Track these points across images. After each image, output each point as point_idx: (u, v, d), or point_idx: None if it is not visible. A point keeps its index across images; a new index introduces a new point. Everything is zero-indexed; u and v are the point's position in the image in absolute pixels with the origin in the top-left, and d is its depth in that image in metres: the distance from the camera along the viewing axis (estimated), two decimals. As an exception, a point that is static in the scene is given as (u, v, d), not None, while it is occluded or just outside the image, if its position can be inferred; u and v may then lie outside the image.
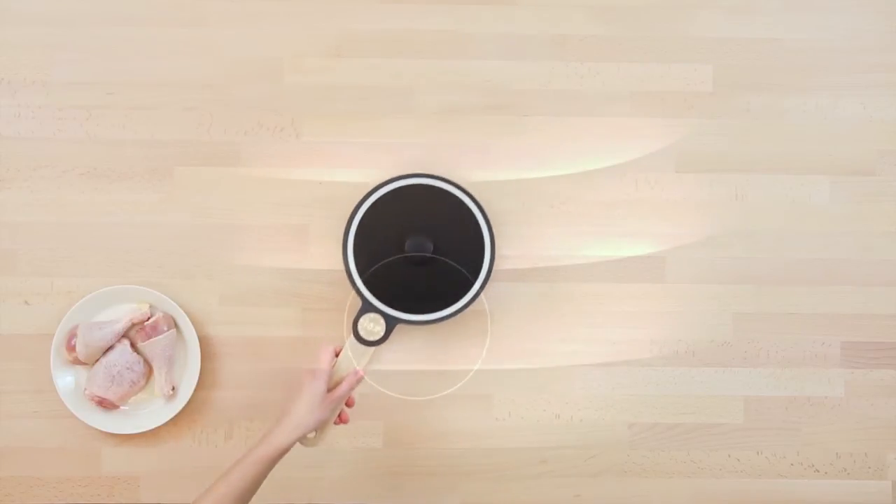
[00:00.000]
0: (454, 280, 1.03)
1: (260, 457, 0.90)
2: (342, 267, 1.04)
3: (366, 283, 1.03)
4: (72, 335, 1.06)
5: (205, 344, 1.09)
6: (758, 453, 1.10)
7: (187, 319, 1.07)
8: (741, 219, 1.10)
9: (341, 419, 0.98)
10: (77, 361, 1.07)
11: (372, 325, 1.01)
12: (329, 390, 0.95)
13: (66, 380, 1.08)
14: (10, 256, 1.10)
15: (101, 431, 1.07)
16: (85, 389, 1.07)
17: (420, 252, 1.02)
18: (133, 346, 1.08)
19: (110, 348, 1.07)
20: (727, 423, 1.10)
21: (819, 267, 1.11)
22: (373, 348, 1.00)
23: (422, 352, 1.10)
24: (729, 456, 1.10)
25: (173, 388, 1.08)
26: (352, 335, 1.01)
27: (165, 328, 1.07)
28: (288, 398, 0.94)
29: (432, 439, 1.10)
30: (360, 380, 0.99)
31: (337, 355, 0.98)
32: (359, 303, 1.02)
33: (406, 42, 1.11)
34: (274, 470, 1.09)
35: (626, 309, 1.10)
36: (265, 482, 1.09)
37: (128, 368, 1.07)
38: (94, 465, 1.09)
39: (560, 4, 1.12)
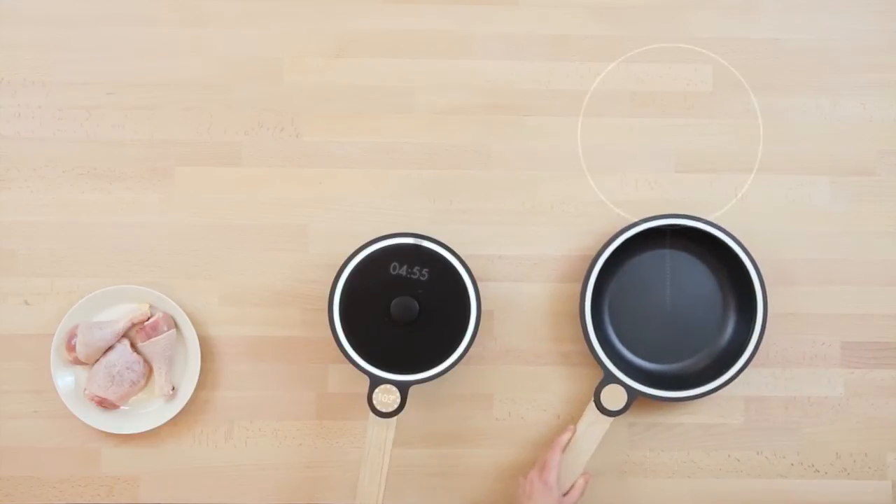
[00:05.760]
0: (446, 328, 1.03)
1: None
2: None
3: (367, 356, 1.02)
4: (72, 335, 1.06)
5: (205, 344, 1.09)
6: (758, 453, 1.10)
7: (187, 319, 1.07)
8: (741, 219, 1.10)
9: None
10: (77, 361, 1.07)
11: (384, 396, 1.01)
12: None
13: (66, 380, 1.08)
14: (10, 256, 1.10)
15: (101, 431, 1.07)
16: (85, 389, 1.07)
17: (405, 315, 1.01)
18: (133, 346, 1.08)
19: (110, 348, 1.07)
20: (727, 423, 1.10)
21: (819, 267, 1.11)
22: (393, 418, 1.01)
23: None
24: (729, 456, 1.10)
25: (173, 388, 1.08)
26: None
27: (165, 328, 1.07)
28: None
29: (432, 439, 1.10)
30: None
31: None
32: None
33: (406, 42, 1.12)
34: (274, 470, 1.10)
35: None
36: (265, 482, 1.10)
37: (128, 368, 1.07)
38: (94, 465, 1.09)
39: (560, 4, 1.12)
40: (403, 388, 1.01)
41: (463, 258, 1.02)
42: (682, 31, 1.12)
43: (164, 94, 1.11)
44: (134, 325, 1.08)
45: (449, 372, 1.01)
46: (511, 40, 1.12)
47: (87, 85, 1.11)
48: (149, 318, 1.08)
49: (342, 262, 1.02)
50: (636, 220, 1.05)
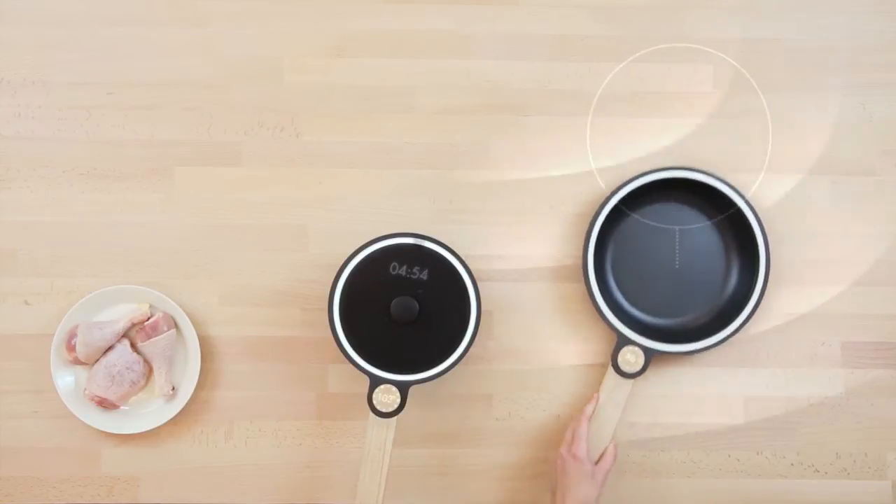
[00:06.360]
0: (446, 328, 1.03)
1: None
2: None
3: (366, 356, 1.02)
4: (72, 335, 1.06)
5: (205, 344, 1.09)
6: (758, 453, 1.10)
7: (187, 319, 1.07)
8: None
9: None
10: (77, 361, 1.07)
11: (384, 396, 1.01)
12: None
13: (66, 380, 1.08)
14: (10, 256, 1.10)
15: (101, 431, 1.07)
16: (85, 389, 1.07)
17: (405, 315, 1.01)
18: (133, 346, 1.08)
19: (110, 348, 1.07)
20: (727, 423, 1.10)
21: (819, 267, 1.11)
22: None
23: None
24: (729, 456, 1.10)
25: (173, 388, 1.08)
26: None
27: (165, 328, 1.07)
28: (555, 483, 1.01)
29: (432, 439, 1.10)
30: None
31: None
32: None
33: (406, 42, 1.12)
34: (274, 470, 1.10)
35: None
36: (265, 482, 1.10)
37: (128, 368, 1.07)
38: (94, 465, 1.09)
39: (560, 4, 1.12)
40: (403, 388, 1.01)
41: (463, 258, 1.02)
42: (682, 32, 1.12)
43: (164, 94, 1.11)
44: (134, 325, 1.08)
45: (449, 372, 1.01)
46: (511, 40, 1.12)
47: (87, 85, 1.11)
48: (149, 318, 1.08)
49: (342, 262, 1.02)
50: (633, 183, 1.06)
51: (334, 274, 1.02)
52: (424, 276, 1.01)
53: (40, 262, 1.10)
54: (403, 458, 1.09)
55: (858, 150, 1.11)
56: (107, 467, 1.10)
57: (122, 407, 1.08)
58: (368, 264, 1.02)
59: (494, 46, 1.12)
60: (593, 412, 1.04)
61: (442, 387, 1.08)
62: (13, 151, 1.10)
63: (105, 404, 1.07)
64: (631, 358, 1.04)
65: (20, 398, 1.09)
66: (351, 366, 1.02)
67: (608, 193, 1.07)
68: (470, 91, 1.11)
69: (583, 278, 1.06)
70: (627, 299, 1.09)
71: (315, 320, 1.08)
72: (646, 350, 1.04)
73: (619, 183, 1.07)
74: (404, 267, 1.02)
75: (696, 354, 1.06)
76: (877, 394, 1.10)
